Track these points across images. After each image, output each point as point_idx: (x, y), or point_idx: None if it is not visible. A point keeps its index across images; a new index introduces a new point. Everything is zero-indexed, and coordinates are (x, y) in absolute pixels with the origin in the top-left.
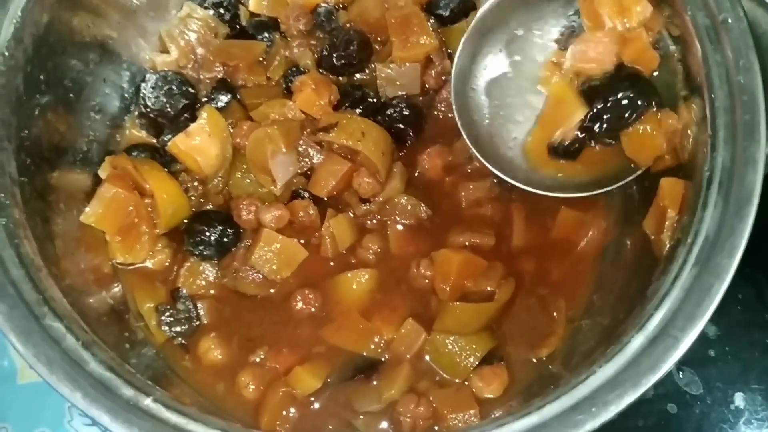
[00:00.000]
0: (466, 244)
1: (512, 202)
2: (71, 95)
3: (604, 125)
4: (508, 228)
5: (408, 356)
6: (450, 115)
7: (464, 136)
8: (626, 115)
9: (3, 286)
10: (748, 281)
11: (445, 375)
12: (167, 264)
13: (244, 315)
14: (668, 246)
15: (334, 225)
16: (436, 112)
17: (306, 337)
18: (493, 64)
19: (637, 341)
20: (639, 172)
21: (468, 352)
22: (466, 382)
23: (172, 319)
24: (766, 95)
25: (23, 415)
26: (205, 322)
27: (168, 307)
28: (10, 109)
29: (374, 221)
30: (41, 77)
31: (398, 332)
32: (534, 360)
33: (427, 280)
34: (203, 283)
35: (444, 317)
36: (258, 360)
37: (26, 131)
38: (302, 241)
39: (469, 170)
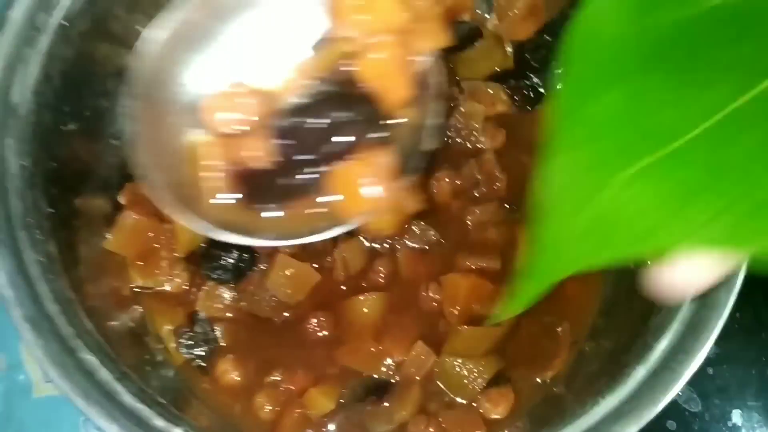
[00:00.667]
0: (473, 267)
1: (519, 224)
2: (93, 124)
3: None
4: (513, 251)
5: (418, 378)
6: (458, 140)
7: None
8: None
9: (40, 321)
10: (747, 301)
11: (453, 396)
12: (185, 287)
13: (260, 337)
14: None
15: (346, 249)
16: (444, 138)
17: (320, 359)
18: None
19: (639, 373)
20: None
21: (476, 374)
22: (474, 404)
23: (190, 341)
24: None
25: (39, 429)
26: (223, 344)
27: (186, 329)
28: (39, 146)
29: (385, 245)
30: (66, 110)
31: (408, 354)
32: (539, 381)
33: (435, 304)
34: (220, 306)
35: (453, 341)
36: (274, 381)
37: (54, 163)
38: (315, 265)
39: (477, 195)
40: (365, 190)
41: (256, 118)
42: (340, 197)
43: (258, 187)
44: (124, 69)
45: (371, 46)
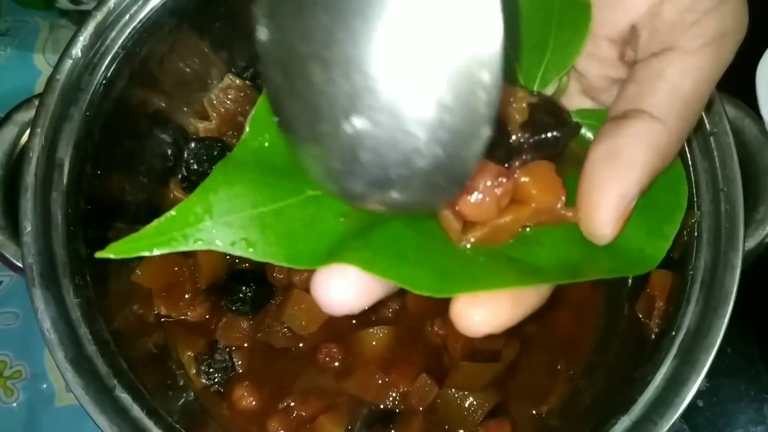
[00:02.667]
0: None
1: None
2: (125, 164)
3: None
4: None
5: (421, 408)
6: None
7: None
8: None
9: (81, 362)
10: (738, 336)
11: (454, 427)
12: (207, 317)
13: (275, 365)
14: (655, 333)
15: None
16: None
17: (330, 388)
18: None
19: (623, 424)
20: None
21: (475, 407)
22: None
23: (210, 368)
24: (746, 199)
25: None
26: (240, 371)
27: (206, 357)
28: (79, 194)
29: None
30: (102, 156)
31: (413, 386)
32: (535, 414)
33: (440, 339)
34: (239, 335)
35: (455, 375)
36: (287, 407)
37: (89, 206)
38: None
39: None
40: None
41: None
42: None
43: None
44: (156, 113)
45: None
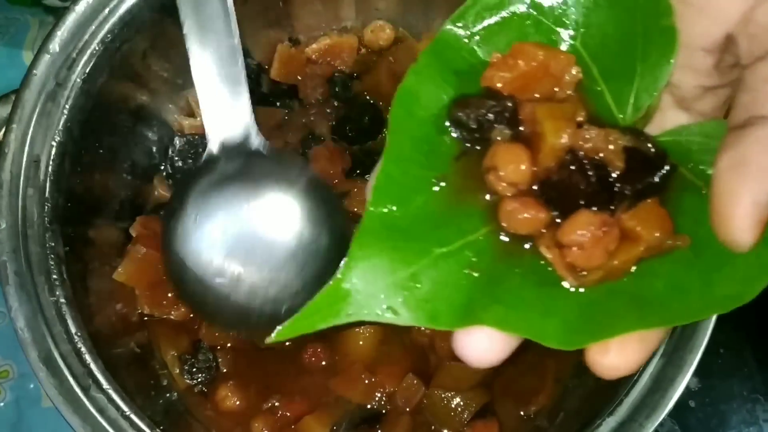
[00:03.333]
0: None
1: None
2: (107, 161)
3: None
4: None
5: (408, 409)
6: None
7: None
8: None
9: (54, 361)
10: (730, 336)
11: (440, 427)
12: (190, 316)
13: (260, 365)
14: None
15: None
16: None
17: (316, 388)
18: None
19: (609, 425)
20: None
21: (462, 407)
22: None
23: (193, 368)
24: None
25: None
26: (224, 371)
27: (190, 356)
28: (57, 192)
29: None
30: (82, 153)
31: (399, 386)
32: (523, 415)
33: (427, 338)
34: (223, 334)
35: (441, 375)
36: (272, 407)
37: (69, 204)
38: None
39: None
40: None
41: None
42: None
43: None
44: (140, 110)
45: None
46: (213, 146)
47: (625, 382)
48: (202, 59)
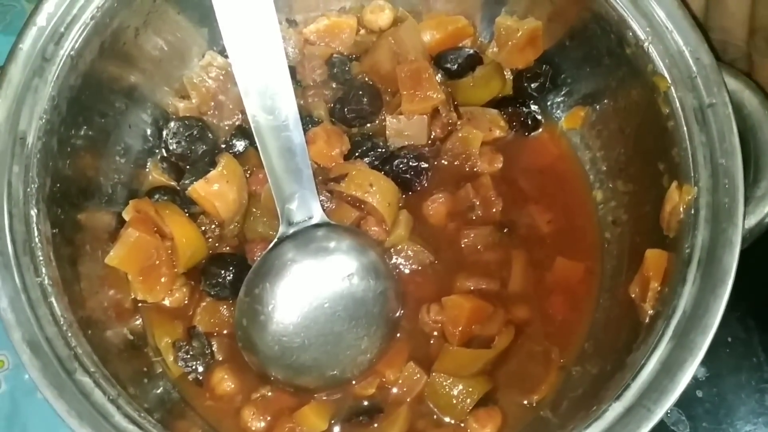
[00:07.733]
0: (472, 288)
1: (512, 248)
2: (99, 143)
3: None
4: (506, 273)
5: (408, 399)
6: (456, 163)
7: None
8: None
9: (38, 343)
10: (738, 325)
11: (442, 416)
12: (185, 302)
13: None
14: (649, 315)
15: None
16: (441, 161)
17: None
18: None
19: (615, 410)
20: None
21: (465, 395)
22: (462, 424)
23: (188, 355)
24: (746, 174)
25: (43, 427)
26: (219, 358)
27: (184, 343)
28: (45, 170)
29: None
30: (72, 132)
31: (400, 375)
32: (526, 404)
33: (436, 324)
34: (218, 321)
35: (443, 360)
36: (266, 395)
37: (58, 185)
38: None
39: (473, 218)
40: None
41: None
42: None
43: None
44: (133, 91)
45: None
46: (283, 227)
47: (632, 366)
48: (271, 155)
